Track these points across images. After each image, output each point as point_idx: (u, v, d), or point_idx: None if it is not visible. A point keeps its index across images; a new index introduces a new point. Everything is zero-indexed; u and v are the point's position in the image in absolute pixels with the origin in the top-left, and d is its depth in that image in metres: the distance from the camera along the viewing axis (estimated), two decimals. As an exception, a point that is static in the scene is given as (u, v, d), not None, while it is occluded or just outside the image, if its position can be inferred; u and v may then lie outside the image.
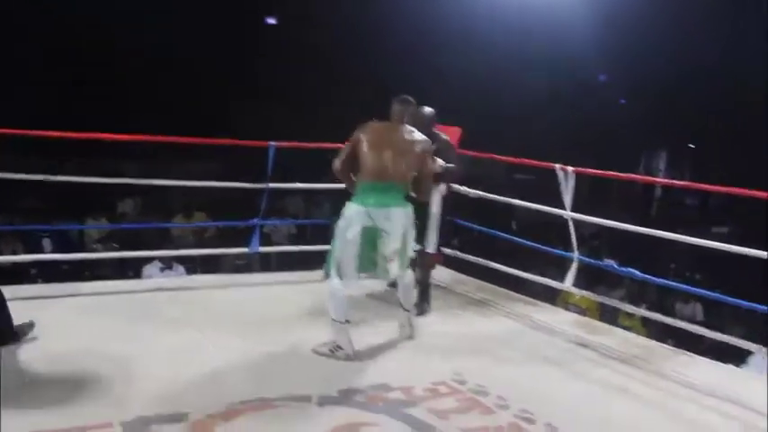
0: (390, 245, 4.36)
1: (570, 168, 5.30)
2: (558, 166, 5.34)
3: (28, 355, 3.97)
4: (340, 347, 4.28)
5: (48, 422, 3.20)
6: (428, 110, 5.28)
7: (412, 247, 4.60)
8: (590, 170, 5.66)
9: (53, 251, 8.51)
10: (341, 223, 4.36)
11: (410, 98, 4.66)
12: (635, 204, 16.50)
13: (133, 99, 13.06)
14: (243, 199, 9.09)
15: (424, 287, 5.36)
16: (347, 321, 4.31)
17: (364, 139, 4.44)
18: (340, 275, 4.32)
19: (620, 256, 8.63)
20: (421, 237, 5.11)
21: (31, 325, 4.28)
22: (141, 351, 4.13)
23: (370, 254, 4.36)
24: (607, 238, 11.21)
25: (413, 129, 4.56)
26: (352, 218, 4.32)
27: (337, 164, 4.57)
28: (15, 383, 3.57)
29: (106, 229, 9.31)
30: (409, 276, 4.65)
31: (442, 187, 5.34)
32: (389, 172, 4.37)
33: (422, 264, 5.32)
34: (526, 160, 6.30)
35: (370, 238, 4.32)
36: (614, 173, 5.87)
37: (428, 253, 5.31)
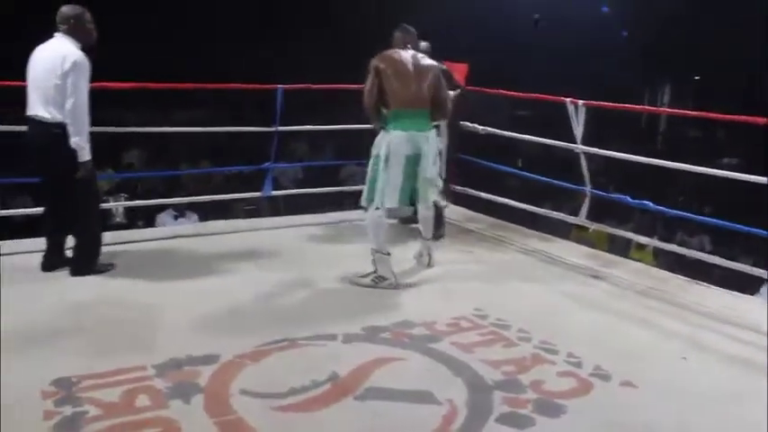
0: (429, 169, 4.54)
1: (580, 102, 5.27)
2: (568, 99, 5.32)
3: (53, 305, 4.02)
4: (384, 278, 4.44)
5: (81, 367, 3.26)
6: (424, 44, 5.26)
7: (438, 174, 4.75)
8: (600, 103, 5.63)
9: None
10: (381, 152, 4.43)
11: (410, 27, 4.77)
12: (639, 138, 16.40)
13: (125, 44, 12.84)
14: (246, 146, 9.09)
15: (439, 213, 5.48)
16: (388, 253, 4.47)
17: (386, 69, 4.49)
18: (382, 204, 4.43)
19: (627, 191, 8.64)
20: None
21: (111, 264, 4.55)
22: (166, 298, 4.19)
23: (410, 181, 4.51)
24: (613, 174, 11.22)
25: (423, 54, 4.68)
26: (395, 145, 4.42)
27: (367, 99, 4.56)
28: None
29: (115, 179, 9.28)
30: (430, 204, 4.80)
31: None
32: (418, 98, 4.50)
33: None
34: (534, 95, 6.27)
35: (411, 164, 4.48)
36: (625, 105, 5.85)
37: (445, 180, 5.43)
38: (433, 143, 4.59)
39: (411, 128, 4.46)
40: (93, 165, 4.37)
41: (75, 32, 4.31)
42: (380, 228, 4.48)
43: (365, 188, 4.55)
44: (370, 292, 4.40)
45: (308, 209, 7.04)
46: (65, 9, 4.33)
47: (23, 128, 4.50)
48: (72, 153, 4.23)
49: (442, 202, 5.26)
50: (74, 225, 4.49)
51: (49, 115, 4.24)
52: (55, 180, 4.41)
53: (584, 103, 5.26)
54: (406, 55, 4.58)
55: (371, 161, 4.52)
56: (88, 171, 4.31)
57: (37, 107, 4.28)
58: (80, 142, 4.22)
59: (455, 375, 3.35)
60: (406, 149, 4.44)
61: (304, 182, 10.85)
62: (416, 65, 4.55)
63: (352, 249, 4.88)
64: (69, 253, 4.60)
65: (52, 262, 4.54)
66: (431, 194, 4.70)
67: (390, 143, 4.43)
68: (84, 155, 4.26)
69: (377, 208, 4.45)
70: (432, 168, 4.58)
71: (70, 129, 4.21)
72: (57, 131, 4.23)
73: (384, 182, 4.42)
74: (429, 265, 4.88)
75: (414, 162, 4.49)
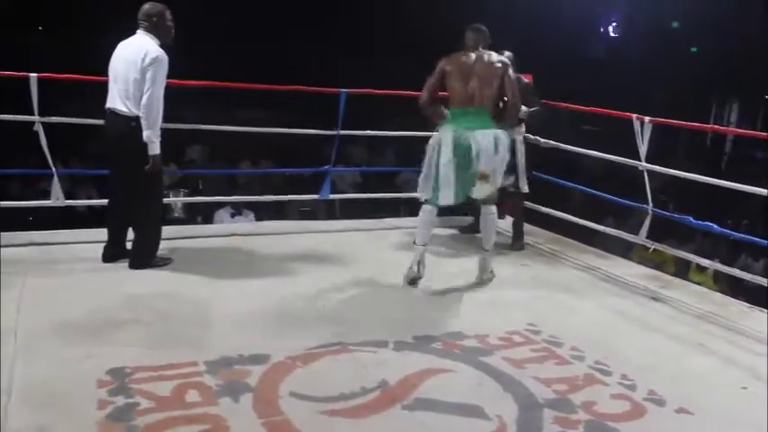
0: (479, 165, 4.47)
1: (647, 118, 5.17)
2: (634, 116, 5.23)
3: (112, 296, 4.10)
4: (409, 267, 4.57)
5: (135, 358, 3.31)
6: (508, 53, 5.21)
7: (501, 176, 4.64)
8: (667, 120, 5.52)
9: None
10: (434, 149, 4.55)
11: (482, 26, 4.74)
12: (703, 158, 16.02)
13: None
14: (305, 147, 9.14)
15: (518, 224, 5.73)
16: (424, 244, 4.61)
17: (449, 69, 4.60)
18: (432, 199, 4.56)
19: (687, 210, 8.44)
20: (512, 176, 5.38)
21: (169, 259, 4.67)
22: (219, 294, 4.24)
23: (463, 176, 4.50)
24: (675, 193, 10.97)
25: (490, 52, 4.68)
26: (443, 141, 4.51)
27: (423, 95, 4.67)
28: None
29: (177, 174, 9.42)
30: (493, 211, 4.73)
31: (522, 130, 5.55)
32: (475, 98, 4.54)
33: (515, 202, 5.68)
34: (600, 110, 6.17)
35: (464, 162, 4.47)
36: (693, 123, 5.71)
37: (521, 192, 5.60)
38: (485, 141, 4.47)
39: (461, 125, 4.51)
40: (161, 159, 4.45)
41: (155, 29, 4.43)
42: (424, 221, 4.62)
43: (419, 183, 4.69)
44: (423, 301, 4.39)
45: (364, 214, 7.05)
46: (147, 6, 4.45)
47: (99, 121, 4.66)
48: (144, 146, 4.34)
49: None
50: (136, 218, 4.58)
51: (126, 109, 4.36)
52: (125, 172, 4.51)
53: (650, 120, 5.15)
54: (473, 55, 4.62)
55: (428, 158, 4.62)
56: (156, 165, 4.40)
57: (116, 101, 4.41)
58: (151, 136, 4.32)
59: (505, 391, 3.31)
60: (453, 146, 4.46)
61: (363, 187, 10.88)
62: (480, 65, 4.58)
63: (407, 257, 4.86)
64: (129, 245, 4.69)
65: (113, 253, 4.63)
66: (483, 192, 4.54)
67: (440, 140, 4.53)
68: (155, 148, 4.36)
69: (425, 201, 4.61)
70: (487, 165, 4.46)
71: (143, 122, 4.32)
72: (132, 125, 4.35)
73: (433, 178, 4.53)
74: (489, 279, 4.80)
75: (467, 160, 4.47)
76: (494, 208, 4.73)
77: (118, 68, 4.40)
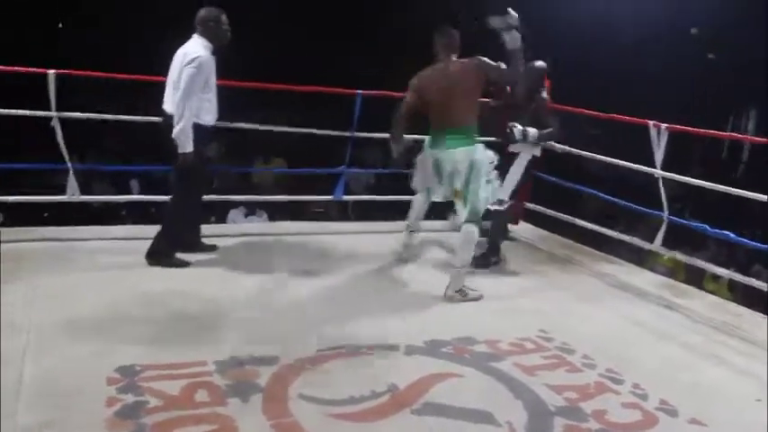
0: (452, 185, 4.51)
1: (663, 125, 5.12)
2: (651, 123, 5.18)
3: (123, 294, 4.11)
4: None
5: (146, 357, 3.32)
6: (539, 63, 5.14)
7: (481, 197, 4.48)
8: (684, 127, 5.45)
9: (140, 193, 8.71)
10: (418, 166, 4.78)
11: (451, 29, 4.59)
12: (719, 166, 15.90)
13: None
14: (319, 147, 9.11)
15: (493, 237, 5.32)
16: (411, 231, 5.08)
17: (418, 89, 4.57)
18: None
19: (702, 217, 8.37)
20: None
21: (187, 263, 4.65)
22: (231, 294, 4.23)
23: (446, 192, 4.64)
24: (691, 201, 10.89)
25: (461, 61, 4.52)
26: (418, 165, 4.77)
27: (400, 111, 4.61)
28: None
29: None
30: (471, 230, 4.46)
31: (537, 150, 5.36)
32: (450, 117, 4.46)
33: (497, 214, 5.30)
34: (616, 116, 6.12)
35: (444, 182, 4.58)
36: (708, 130, 5.66)
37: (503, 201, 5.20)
38: (453, 161, 4.45)
39: (433, 147, 4.58)
40: (194, 159, 4.46)
41: (209, 33, 4.52)
42: (414, 207, 4.98)
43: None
44: (434, 305, 4.37)
45: (378, 216, 7.03)
46: (201, 12, 4.55)
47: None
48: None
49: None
50: (163, 213, 4.67)
51: (171, 108, 4.45)
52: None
53: (666, 127, 5.11)
54: (443, 68, 4.52)
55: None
56: (186, 163, 4.43)
57: (167, 101, 4.53)
58: (178, 133, 4.37)
59: (516, 397, 3.29)
60: (427, 169, 4.66)
61: (375, 188, 10.85)
62: (452, 79, 4.46)
63: (419, 259, 4.84)
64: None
65: (151, 249, 4.67)
66: (462, 214, 4.49)
67: (423, 161, 4.74)
68: (183, 146, 4.41)
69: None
70: (461, 185, 4.46)
71: (174, 120, 4.37)
72: (171, 123, 4.42)
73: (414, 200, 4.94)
74: (450, 298, 4.43)
75: (446, 181, 4.56)
76: (472, 226, 4.45)
77: (171, 71, 4.52)
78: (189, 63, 4.38)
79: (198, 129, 4.47)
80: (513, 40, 4.41)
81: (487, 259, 5.24)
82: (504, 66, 4.54)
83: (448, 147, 4.46)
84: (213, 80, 4.59)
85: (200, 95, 4.43)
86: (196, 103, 4.41)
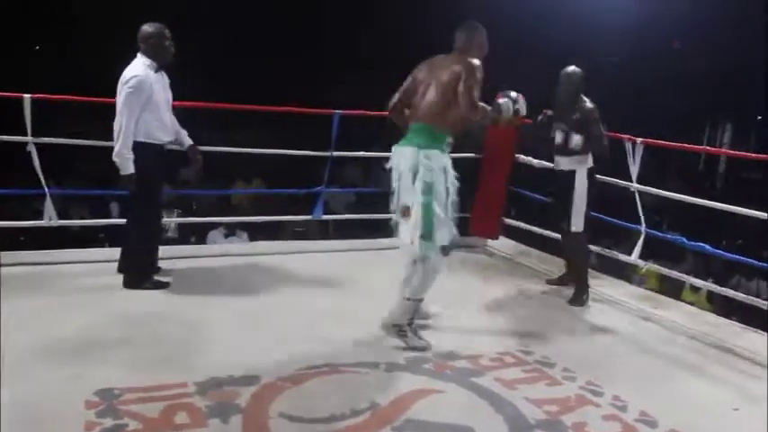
0: (401, 196, 3.93)
1: (639, 140, 5.17)
2: (626, 137, 5.23)
3: (102, 317, 4.08)
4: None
5: (125, 380, 3.29)
6: (573, 69, 4.89)
7: (432, 212, 3.80)
8: (659, 141, 5.51)
9: (120, 216, 8.66)
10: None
11: (475, 24, 4.08)
12: (697, 179, 16.06)
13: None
14: (297, 167, 9.12)
15: (578, 272, 5.06)
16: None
17: (412, 74, 4.11)
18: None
19: (680, 229, 8.45)
20: (563, 215, 4.95)
21: (166, 283, 4.62)
22: (211, 315, 4.22)
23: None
24: (669, 214, 10.98)
25: (463, 57, 3.92)
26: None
27: (392, 99, 4.15)
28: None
29: (171, 194, 9.40)
30: (431, 258, 3.88)
31: (590, 160, 4.91)
32: (416, 111, 3.98)
33: (568, 245, 5.13)
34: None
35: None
36: (685, 144, 5.72)
37: (572, 233, 4.95)
38: (405, 161, 3.86)
39: (400, 143, 3.96)
40: (147, 179, 4.42)
41: (152, 51, 4.44)
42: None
43: None
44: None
45: (358, 234, 7.05)
46: (143, 28, 4.46)
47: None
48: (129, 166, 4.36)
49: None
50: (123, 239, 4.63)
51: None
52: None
53: (642, 141, 5.16)
54: (439, 59, 4.03)
55: None
56: (129, 184, 4.39)
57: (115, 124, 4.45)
58: (115, 156, 4.34)
59: (496, 412, 3.29)
60: (394, 166, 3.96)
61: (356, 206, 10.86)
62: (436, 71, 3.95)
63: (399, 277, 4.83)
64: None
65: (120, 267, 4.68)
66: (402, 232, 3.96)
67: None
68: (123, 168, 4.35)
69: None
70: (402, 197, 3.92)
71: (114, 143, 4.35)
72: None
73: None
74: (387, 332, 3.99)
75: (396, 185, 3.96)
76: (432, 253, 3.86)
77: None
78: (125, 83, 4.32)
79: (150, 148, 4.41)
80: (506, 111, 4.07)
81: (580, 298, 4.97)
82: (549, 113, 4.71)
83: (411, 144, 3.88)
84: (161, 97, 4.46)
85: (147, 115, 4.36)
86: (144, 124, 4.36)
